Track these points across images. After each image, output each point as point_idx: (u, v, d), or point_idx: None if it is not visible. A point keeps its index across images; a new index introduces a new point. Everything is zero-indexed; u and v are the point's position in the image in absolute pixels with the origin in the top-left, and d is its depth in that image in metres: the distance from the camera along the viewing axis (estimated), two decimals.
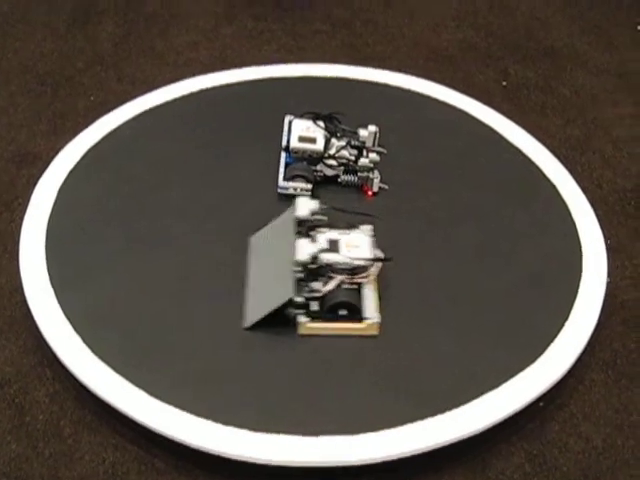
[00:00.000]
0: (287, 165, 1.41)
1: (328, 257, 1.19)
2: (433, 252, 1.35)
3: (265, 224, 1.34)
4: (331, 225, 1.26)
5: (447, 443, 1.10)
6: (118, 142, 1.51)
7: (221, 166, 1.48)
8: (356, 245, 1.21)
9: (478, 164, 1.51)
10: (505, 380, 1.16)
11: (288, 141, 1.41)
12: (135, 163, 1.48)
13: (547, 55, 1.88)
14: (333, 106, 1.60)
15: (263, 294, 1.22)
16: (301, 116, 1.45)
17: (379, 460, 1.09)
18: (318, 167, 1.41)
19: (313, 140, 1.40)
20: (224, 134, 1.55)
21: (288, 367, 1.17)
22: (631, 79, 1.82)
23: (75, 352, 1.18)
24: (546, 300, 1.28)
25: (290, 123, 1.44)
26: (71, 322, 1.21)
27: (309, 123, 1.43)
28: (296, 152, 1.40)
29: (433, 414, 1.12)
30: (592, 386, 1.24)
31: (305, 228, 1.26)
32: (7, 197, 1.49)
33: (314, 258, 1.19)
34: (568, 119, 1.70)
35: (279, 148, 1.48)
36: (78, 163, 1.46)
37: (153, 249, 1.33)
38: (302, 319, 1.18)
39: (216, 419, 1.10)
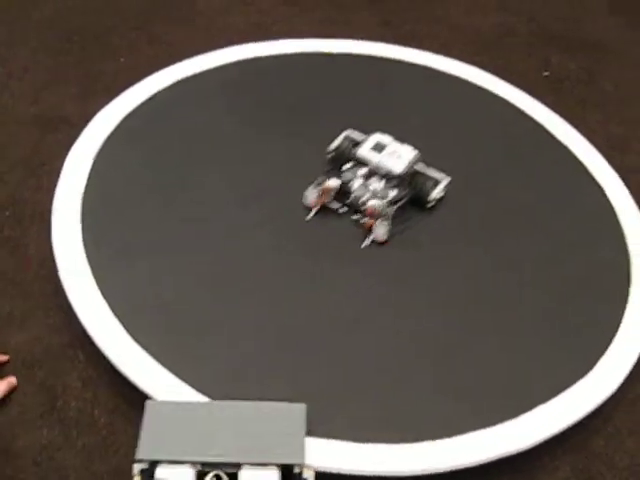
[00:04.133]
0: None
1: None
2: (476, 260, 1.30)
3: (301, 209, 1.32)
4: None
5: (496, 458, 1.07)
6: (154, 111, 1.45)
7: (260, 143, 1.43)
8: None
9: (523, 162, 1.47)
10: (555, 395, 1.13)
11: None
12: (172, 135, 1.42)
13: (590, 47, 1.82)
14: (371, 87, 1.56)
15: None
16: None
17: (421, 473, 1.05)
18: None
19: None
20: (262, 109, 1.49)
21: None
22: None
23: (112, 335, 1.13)
24: (595, 312, 1.24)
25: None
26: (108, 302, 1.16)
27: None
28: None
29: (483, 427, 1.09)
30: (636, 400, 1.21)
31: None
32: (32, 163, 1.42)
33: None
34: (609, 115, 1.66)
35: (317, 127, 1.45)
36: (113, 132, 1.40)
37: (193, 230, 1.28)
38: None
39: None
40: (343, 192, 1.33)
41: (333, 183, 1.31)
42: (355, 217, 1.32)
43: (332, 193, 1.31)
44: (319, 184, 1.30)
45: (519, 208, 1.38)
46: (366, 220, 1.29)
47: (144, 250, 1.24)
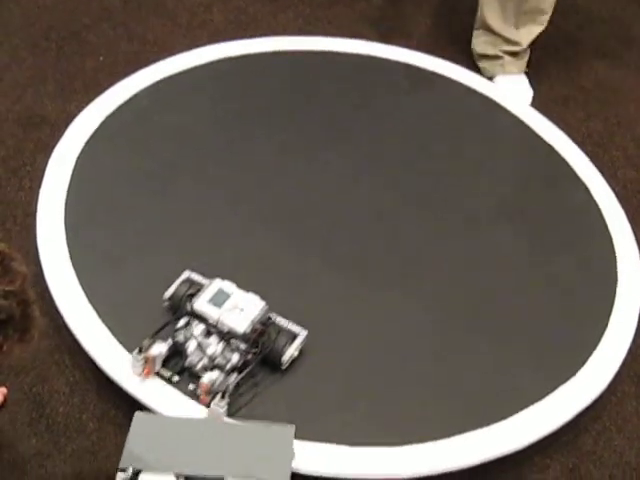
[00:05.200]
0: None
1: None
2: (461, 260, 1.30)
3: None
4: None
5: (490, 459, 1.07)
6: (134, 112, 1.43)
7: (240, 143, 1.42)
8: None
9: (508, 159, 1.47)
10: (546, 395, 1.13)
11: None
12: (154, 136, 1.40)
13: (569, 43, 1.82)
14: (353, 85, 1.55)
15: None
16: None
17: (412, 475, 1.05)
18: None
19: None
20: (242, 108, 1.48)
21: None
22: None
23: (100, 341, 1.12)
24: (583, 312, 1.25)
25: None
26: (94, 307, 1.14)
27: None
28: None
29: (475, 428, 1.09)
30: (624, 398, 1.22)
31: None
32: (14, 163, 1.39)
33: None
34: (590, 113, 1.66)
35: (296, 127, 1.44)
36: (94, 133, 1.37)
37: (178, 232, 1.27)
38: None
39: None
40: (179, 353, 1.10)
41: (157, 351, 1.08)
42: (191, 387, 1.09)
43: (159, 360, 1.09)
44: (142, 351, 1.07)
45: (503, 206, 1.39)
46: (202, 396, 1.07)
47: (130, 253, 1.22)
